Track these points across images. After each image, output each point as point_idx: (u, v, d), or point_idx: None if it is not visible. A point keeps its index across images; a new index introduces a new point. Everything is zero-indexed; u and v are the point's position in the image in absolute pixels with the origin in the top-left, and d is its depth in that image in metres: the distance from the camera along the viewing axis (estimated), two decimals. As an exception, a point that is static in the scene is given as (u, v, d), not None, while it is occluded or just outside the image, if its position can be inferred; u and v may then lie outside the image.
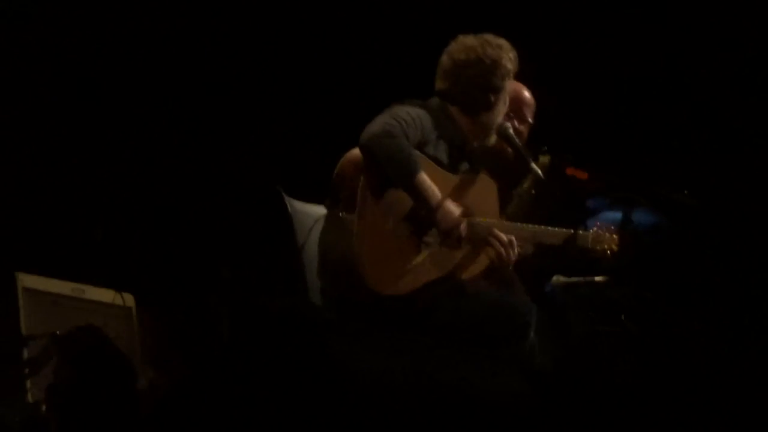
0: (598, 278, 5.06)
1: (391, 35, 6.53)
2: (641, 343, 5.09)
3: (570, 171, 4.97)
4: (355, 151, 4.55)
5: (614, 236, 4.91)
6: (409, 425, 4.28)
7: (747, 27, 6.67)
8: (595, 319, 5.27)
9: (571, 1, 6.69)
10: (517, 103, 5.11)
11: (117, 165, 6.24)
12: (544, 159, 4.96)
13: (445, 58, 4.79)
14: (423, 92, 4.78)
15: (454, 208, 4.58)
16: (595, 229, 4.90)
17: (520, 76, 4.94)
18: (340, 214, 4.53)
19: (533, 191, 4.95)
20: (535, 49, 4.97)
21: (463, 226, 4.60)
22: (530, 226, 4.79)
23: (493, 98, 4.75)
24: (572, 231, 4.80)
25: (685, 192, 5.13)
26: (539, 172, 4.83)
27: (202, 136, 6.28)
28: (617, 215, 5.00)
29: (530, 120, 5.15)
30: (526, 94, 5.17)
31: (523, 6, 6.55)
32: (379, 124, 4.46)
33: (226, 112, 6.31)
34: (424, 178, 4.50)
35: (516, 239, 4.66)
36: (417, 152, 4.52)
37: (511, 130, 4.88)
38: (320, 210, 4.73)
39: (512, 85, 5.04)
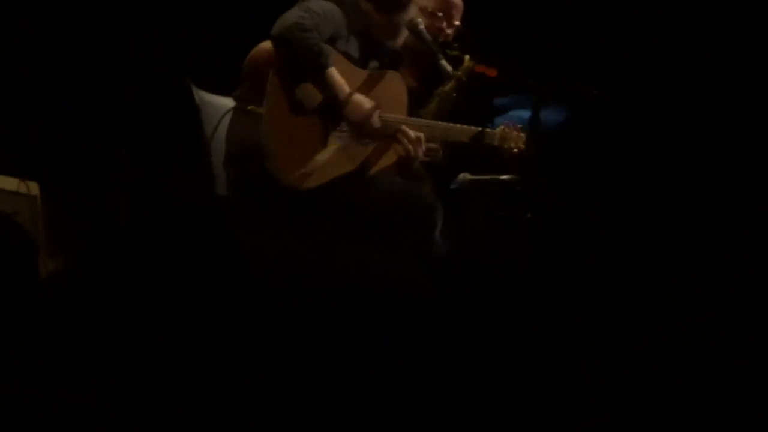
0: (504, 177, 5.10)
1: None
2: (539, 229, 5.16)
3: (479, 68, 4.98)
4: (266, 44, 4.51)
5: (521, 134, 4.95)
6: (310, 308, 4.33)
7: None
8: (492, 205, 5.33)
9: None
10: (446, 4, 5.08)
11: (16, 47, 6.11)
12: (468, 63, 4.96)
13: None
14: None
15: (364, 101, 4.58)
16: (502, 127, 4.94)
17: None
18: (249, 106, 4.50)
19: (454, 94, 4.95)
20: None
21: (374, 119, 4.60)
22: (438, 123, 4.81)
23: None
24: (480, 129, 4.82)
25: (590, 84, 5.17)
26: (449, 68, 4.81)
27: (109, 18, 6.15)
28: (526, 113, 5.03)
29: (457, 23, 5.12)
30: None
31: None
32: (291, 16, 4.43)
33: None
34: (335, 71, 4.49)
35: (424, 136, 4.68)
36: (328, 46, 4.50)
37: (422, 27, 4.86)
38: (229, 102, 4.68)
39: None
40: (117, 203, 5.65)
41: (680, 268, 6.36)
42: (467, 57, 5.02)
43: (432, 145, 4.94)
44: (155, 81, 5.99)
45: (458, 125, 4.83)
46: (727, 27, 6.74)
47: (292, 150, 4.51)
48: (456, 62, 4.96)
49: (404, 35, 4.79)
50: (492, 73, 4.99)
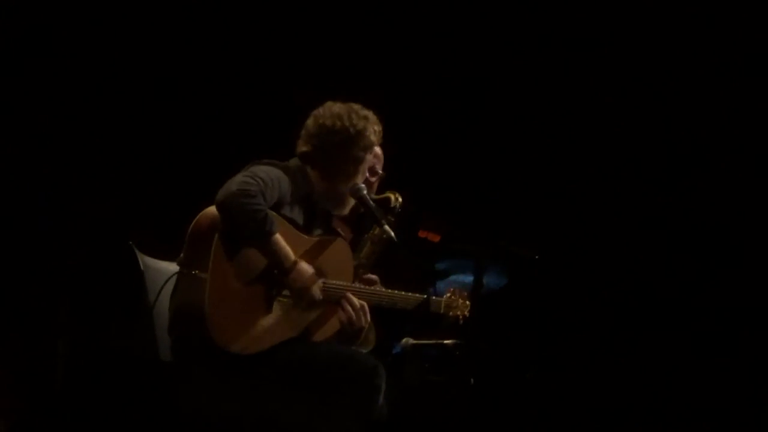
0: (447, 341, 5.11)
1: (250, 94, 6.53)
2: (473, 391, 5.17)
3: (423, 233, 5.02)
4: (211, 209, 4.50)
5: (467, 302, 4.98)
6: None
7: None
8: (428, 369, 5.34)
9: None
10: None
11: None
12: (396, 201, 4.99)
13: (310, 122, 4.80)
14: (282, 154, 4.78)
15: (308, 269, 4.57)
16: (448, 294, 4.96)
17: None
18: (193, 272, 4.48)
19: (385, 236, 4.95)
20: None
21: (316, 287, 4.60)
22: (384, 290, 4.81)
23: (352, 168, 4.77)
24: (425, 297, 4.84)
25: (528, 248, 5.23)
26: (392, 234, 4.83)
27: (54, 178, 6.16)
28: (468, 278, 5.06)
29: (380, 171, 5.17)
30: (376, 148, 5.19)
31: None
32: (236, 182, 4.43)
33: (80, 158, 6.22)
34: (279, 238, 4.48)
35: (368, 304, 4.69)
36: (273, 213, 4.49)
37: (364, 191, 4.90)
38: (172, 267, 4.67)
39: None
40: (54, 365, 5.60)
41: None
42: (393, 196, 5.05)
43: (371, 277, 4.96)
44: (98, 244, 5.99)
45: (403, 293, 4.83)
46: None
47: (235, 315, 4.47)
48: (383, 203, 5.00)
49: (350, 204, 4.83)
50: (435, 238, 5.03)
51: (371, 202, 4.87)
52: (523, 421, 6.25)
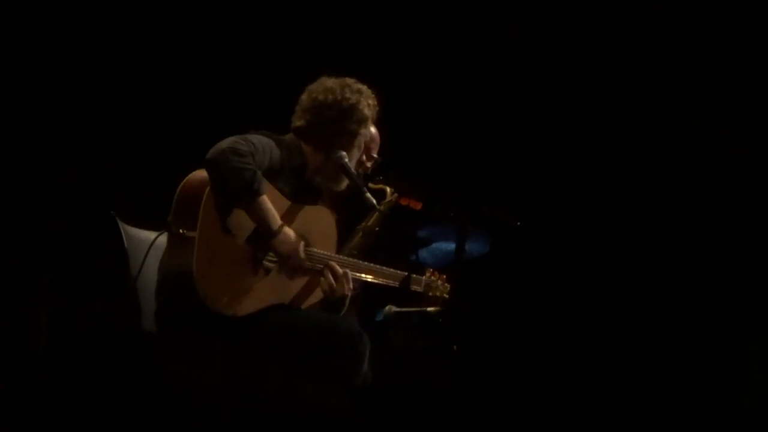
0: (430, 309, 5.13)
1: (247, 70, 6.52)
2: (457, 357, 5.19)
3: (404, 201, 5.03)
4: (200, 172, 4.51)
5: (446, 285, 5.04)
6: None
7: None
8: (412, 335, 5.36)
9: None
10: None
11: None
12: (392, 197, 5.01)
13: (304, 97, 4.83)
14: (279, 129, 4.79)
15: (293, 235, 4.59)
16: (428, 274, 5.01)
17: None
18: (181, 230, 4.48)
19: (377, 228, 4.98)
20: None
21: (300, 253, 4.62)
22: (366, 263, 4.85)
23: (346, 142, 4.80)
24: (406, 274, 4.88)
25: (511, 213, 5.24)
26: (373, 201, 4.85)
27: (37, 147, 6.14)
28: (450, 246, 5.07)
29: (375, 155, 5.18)
30: (373, 129, 5.18)
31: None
32: (227, 141, 4.45)
33: (61, 126, 6.20)
34: (266, 200, 4.50)
35: (350, 273, 4.71)
36: (261, 175, 4.50)
37: (346, 160, 4.92)
38: (154, 236, 4.67)
39: None
40: (36, 336, 5.60)
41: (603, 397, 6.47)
42: (389, 190, 5.07)
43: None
44: (80, 212, 5.98)
45: (385, 268, 4.87)
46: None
47: (222, 275, 4.48)
48: (379, 195, 5.01)
49: (346, 181, 4.84)
50: (416, 205, 5.04)
51: (353, 170, 4.89)
52: (508, 387, 6.28)
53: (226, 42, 6.48)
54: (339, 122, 4.77)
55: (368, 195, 4.85)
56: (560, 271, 6.85)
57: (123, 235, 4.77)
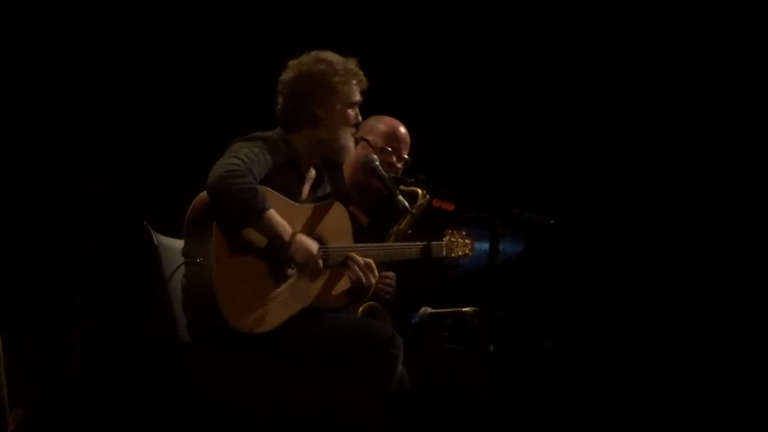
0: (465, 309, 5.11)
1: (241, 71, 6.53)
2: (493, 361, 5.17)
3: (437, 203, 5.01)
4: (205, 194, 4.50)
5: (467, 240, 5.01)
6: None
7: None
8: (448, 338, 5.34)
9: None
10: (394, 139, 5.15)
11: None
12: (423, 199, 4.99)
13: (278, 86, 4.77)
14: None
15: (307, 239, 4.57)
16: (447, 237, 4.98)
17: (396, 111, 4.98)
18: (198, 260, 4.48)
19: (410, 231, 4.96)
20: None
21: (318, 255, 4.59)
22: (383, 245, 4.84)
23: (319, 112, 4.70)
24: (425, 243, 4.85)
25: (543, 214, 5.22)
26: (405, 203, 4.84)
27: (71, 165, 6.16)
28: (483, 246, 5.05)
29: (406, 156, 5.17)
30: (402, 129, 5.19)
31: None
32: (222, 165, 4.43)
33: (95, 143, 6.23)
34: (274, 213, 4.48)
35: (373, 260, 4.68)
36: (264, 187, 4.49)
37: (377, 163, 4.90)
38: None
39: (389, 121, 5.10)
40: (73, 353, 5.60)
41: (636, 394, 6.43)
42: (421, 192, 5.05)
43: (388, 274, 4.97)
44: (113, 227, 5.99)
45: (404, 243, 4.86)
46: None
47: (244, 295, 4.47)
48: (410, 197, 4.99)
49: (351, 147, 4.78)
50: (449, 207, 5.02)
51: (384, 173, 4.88)
52: (543, 389, 6.25)
53: (250, 50, 6.51)
54: (305, 93, 4.68)
55: (400, 198, 4.84)
56: (594, 270, 6.84)
57: (156, 244, 4.77)
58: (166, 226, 4.81)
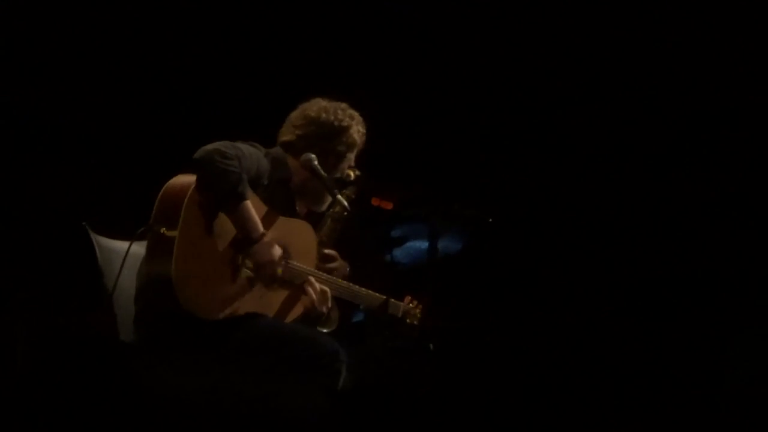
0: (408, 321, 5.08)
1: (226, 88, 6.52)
2: (436, 357, 5.20)
3: (375, 201, 5.04)
4: (182, 177, 4.53)
5: (418, 310, 5.03)
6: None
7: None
8: (389, 335, 5.37)
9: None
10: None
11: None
12: (349, 191, 5.01)
13: (296, 113, 4.87)
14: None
15: (273, 245, 4.59)
16: (407, 301, 5.01)
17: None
18: (162, 230, 4.47)
19: (345, 213, 4.97)
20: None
21: (278, 264, 4.62)
22: (346, 283, 4.88)
23: (333, 162, 4.85)
24: (385, 298, 4.90)
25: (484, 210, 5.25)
26: (345, 203, 4.87)
27: (10, 164, 6.13)
28: (423, 244, 5.08)
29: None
30: None
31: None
32: (216, 144, 4.47)
33: (33, 138, 6.19)
34: (250, 206, 4.51)
35: (330, 292, 4.75)
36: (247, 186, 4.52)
37: (316, 162, 4.92)
38: (126, 246, 4.65)
39: None
40: (13, 351, 5.59)
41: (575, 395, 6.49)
42: (353, 172, 5.08)
43: (334, 265, 4.99)
44: (52, 225, 5.96)
45: (364, 290, 4.90)
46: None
47: (200, 277, 4.47)
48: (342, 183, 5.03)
49: (327, 201, 4.89)
50: (388, 205, 5.05)
51: (323, 173, 4.90)
52: (486, 384, 6.30)
53: (203, 55, 6.49)
54: (329, 140, 4.83)
55: (340, 197, 4.86)
56: (534, 266, 6.88)
57: (96, 246, 4.76)
58: (105, 228, 4.80)
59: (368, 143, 5.23)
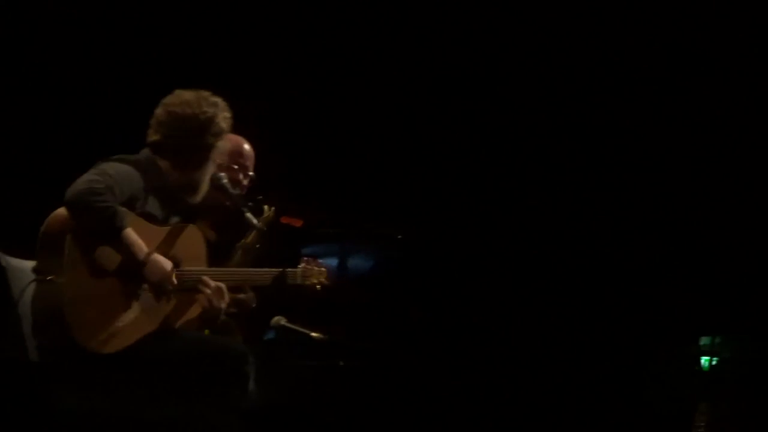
0: (314, 335, 5.09)
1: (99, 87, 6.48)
2: (350, 375, 5.22)
3: (285, 220, 5.06)
4: (61, 211, 4.50)
5: (322, 269, 5.02)
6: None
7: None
8: (299, 353, 5.39)
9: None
10: (239, 156, 5.16)
11: None
12: (269, 212, 5.02)
13: (160, 111, 4.77)
14: (134, 146, 4.78)
15: (162, 259, 4.59)
16: (303, 264, 5.00)
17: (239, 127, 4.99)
18: (48, 278, 4.46)
19: (258, 245, 4.99)
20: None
21: (171, 277, 4.61)
22: (239, 270, 4.88)
23: (204, 156, 4.76)
24: (281, 270, 4.87)
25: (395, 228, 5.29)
26: (255, 221, 4.90)
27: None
28: (333, 262, 5.10)
29: (251, 173, 5.20)
30: (247, 146, 5.19)
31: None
32: (83, 181, 4.43)
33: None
34: (131, 232, 4.49)
35: (226, 285, 4.72)
36: (123, 208, 4.49)
37: (225, 181, 4.93)
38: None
39: (234, 139, 5.09)
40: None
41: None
42: (266, 207, 5.08)
43: (241, 296, 4.99)
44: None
45: (259, 269, 4.88)
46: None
47: (94, 315, 4.47)
48: (257, 212, 5.03)
49: (204, 191, 4.82)
50: (297, 223, 5.07)
51: (232, 190, 4.91)
52: (397, 401, 6.33)
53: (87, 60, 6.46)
54: (195, 135, 4.73)
55: (249, 215, 4.88)
56: (446, 283, 6.92)
57: (4, 265, 4.72)
58: (13, 248, 4.77)
59: (276, 160, 5.26)
